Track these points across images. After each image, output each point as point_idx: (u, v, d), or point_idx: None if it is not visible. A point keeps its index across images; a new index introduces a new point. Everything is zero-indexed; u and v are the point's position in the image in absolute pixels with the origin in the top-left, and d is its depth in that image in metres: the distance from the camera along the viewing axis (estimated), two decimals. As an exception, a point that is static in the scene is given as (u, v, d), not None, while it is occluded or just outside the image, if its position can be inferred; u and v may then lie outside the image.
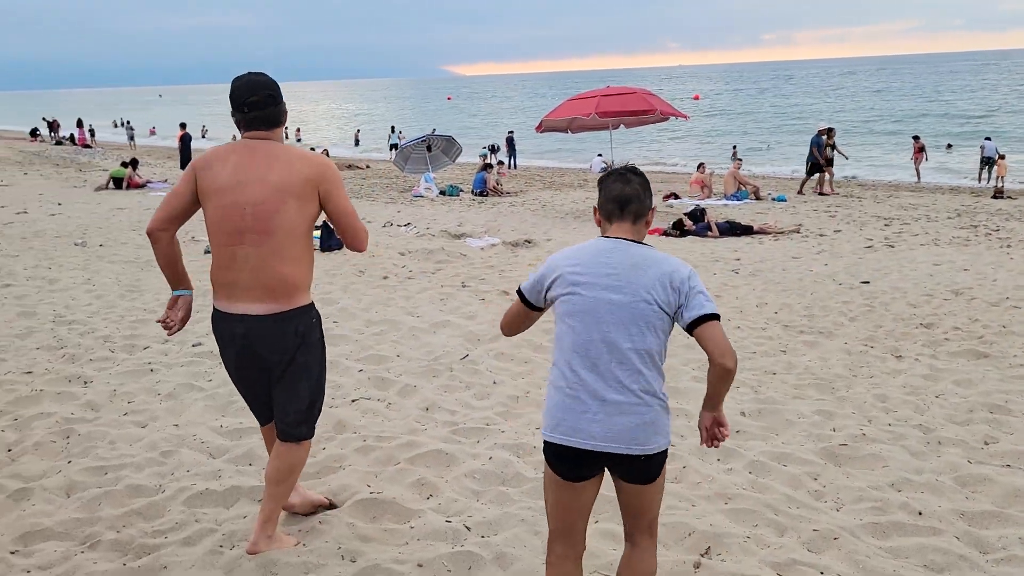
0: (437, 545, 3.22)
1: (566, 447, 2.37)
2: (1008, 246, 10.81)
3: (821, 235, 12.14)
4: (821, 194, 18.28)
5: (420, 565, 3.06)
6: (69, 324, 6.50)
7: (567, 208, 16.27)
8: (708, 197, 17.79)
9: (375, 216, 14.50)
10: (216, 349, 5.78)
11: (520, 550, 3.17)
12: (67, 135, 40.46)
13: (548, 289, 2.48)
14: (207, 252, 10.05)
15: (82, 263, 9.24)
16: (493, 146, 31.90)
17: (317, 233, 11.01)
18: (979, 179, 21.70)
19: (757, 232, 12.53)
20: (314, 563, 3.05)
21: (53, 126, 42.96)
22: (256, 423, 4.44)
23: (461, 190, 19.66)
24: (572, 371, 2.38)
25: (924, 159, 23.03)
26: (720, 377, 2.33)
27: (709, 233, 12.25)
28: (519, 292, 2.60)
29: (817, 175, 18.62)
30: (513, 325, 2.69)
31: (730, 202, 17.00)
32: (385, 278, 8.70)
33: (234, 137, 3.47)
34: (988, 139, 22.34)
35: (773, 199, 17.30)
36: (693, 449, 4.21)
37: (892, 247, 10.87)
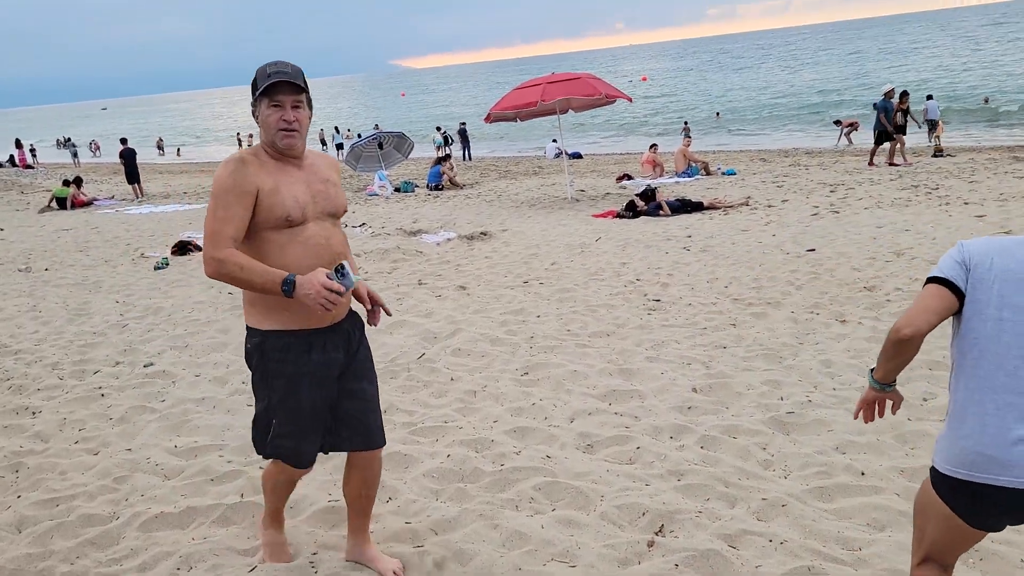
0: (396, 547, 3.25)
1: (983, 485, 1.95)
2: (946, 203, 11.11)
3: (769, 206, 12.34)
4: (892, 164, 16.27)
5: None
6: (15, 354, 6.37)
7: (522, 197, 16.32)
8: (661, 176, 17.97)
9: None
10: (167, 369, 5.76)
11: (479, 545, 3.21)
12: (7, 157, 39.37)
13: (969, 279, 2.04)
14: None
15: (27, 289, 9.05)
16: (446, 136, 31.57)
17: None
18: (928, 139, 22.04)
19: (707, 208, 12.69)
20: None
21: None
22: (213, 441, 4.43)
23: (416, 185, 19.58)
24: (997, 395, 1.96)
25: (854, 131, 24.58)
26: None
27: (660, 212, 12.38)
28: (939, 280, 2.06)
29: (887, 144, 16.56)
30: (928, 322, 2.04)
31: (681, 179, 17.21)
32: (339, 282, 8.65)
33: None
34: (930, 98, 22.36)
35: (722, 173, 17.52)
36: (647, 429, 4.29)
37: (837, 213, 11.10)
